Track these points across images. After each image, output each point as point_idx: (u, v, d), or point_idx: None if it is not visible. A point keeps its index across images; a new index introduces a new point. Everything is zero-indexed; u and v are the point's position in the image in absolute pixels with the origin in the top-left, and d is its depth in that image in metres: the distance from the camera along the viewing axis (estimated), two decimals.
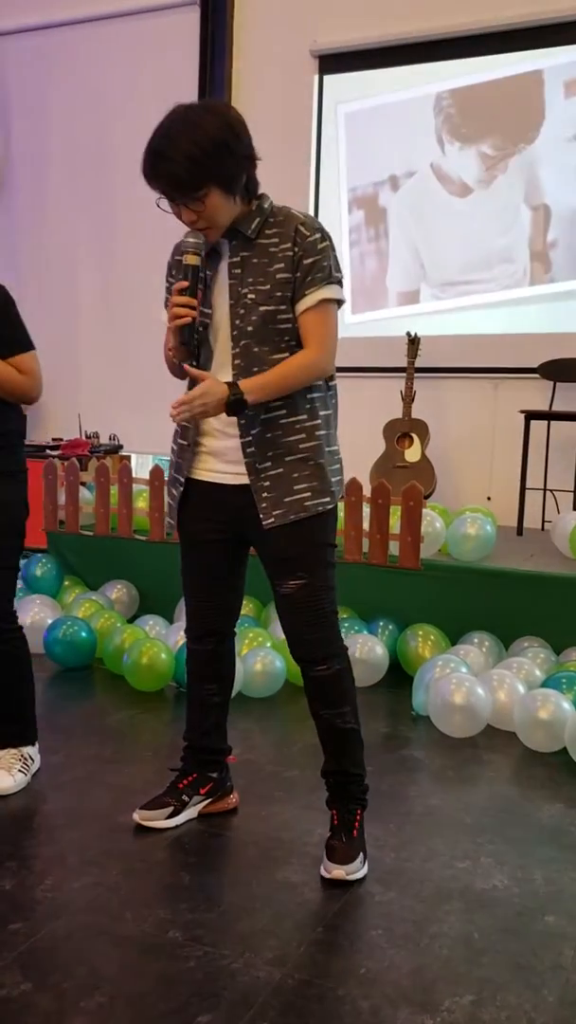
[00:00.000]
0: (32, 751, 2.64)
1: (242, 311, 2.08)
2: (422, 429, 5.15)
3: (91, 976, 1.76)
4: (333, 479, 2.17)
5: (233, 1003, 1.69)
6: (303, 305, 2.07)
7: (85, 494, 4.54)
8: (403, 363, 5.14)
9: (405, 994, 1.74)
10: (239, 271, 2.09)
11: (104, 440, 5.95)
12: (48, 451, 5.57)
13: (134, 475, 4.36)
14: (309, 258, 2.05)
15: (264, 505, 2.12)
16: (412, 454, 5.12)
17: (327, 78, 5.72)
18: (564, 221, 5.20)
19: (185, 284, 2.03)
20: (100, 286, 6.58)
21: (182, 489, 2.25)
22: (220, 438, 2.17)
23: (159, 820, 2.35)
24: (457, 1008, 1.71)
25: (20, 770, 2.56)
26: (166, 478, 2.35)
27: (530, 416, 4.69)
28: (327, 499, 2.15)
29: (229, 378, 2.09)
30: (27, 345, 2.51)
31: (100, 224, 6.53)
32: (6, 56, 6.78)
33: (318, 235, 2.07)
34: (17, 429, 2.60)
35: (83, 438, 5.84)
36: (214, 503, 2.22)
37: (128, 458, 5.78)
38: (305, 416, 2.13)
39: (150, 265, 6.28)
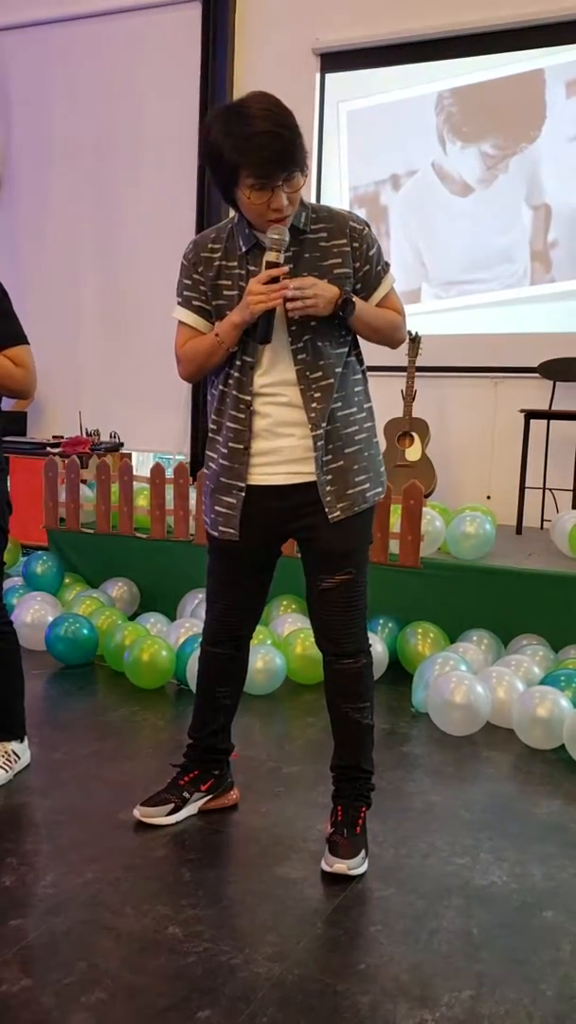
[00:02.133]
0: (19, 747, 2.63)
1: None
2: (422, 428, 5.16)
3: (91, 972, 1.77)
4: (381, 469, 2.24)
5: (233, 998, 1.70)
6: (381, 291, 2.16)
7: (86, 492, 4.54)
8: (404, 362, 5.14)
9: (404, 989, 1.75)
10: (292, 266, 2.06)
11: (105, 438, 5.95)
12: (49, 448, 5.57)
13: (135, 473, 4.36)
14: (372, 249, 2.12)
15: (329, 499, 2.13)
16: (412, 453, 5.13)
17: (329, 76, 5.72)
18: (565, 221, 5.21)
19: (267, 276, 1.99)
20: (101, 284, 6.58)
21: (243, 496, 2.17)
22: (269, 438, 2.13)
23: (160, 817, 2.36)
24: (456, 1003, 1.72)
25: (1, 766, 2.56)
26: (209, 484, 2.23)
27: (530, 415, 4.69)
28: (380, 489, 2.22)
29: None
30: (22, 338, 2.46)
31: (102, 222, 6.54)
32: (8, 52, 6.78)
33: (368, 227, 2.14)
34: None
35: (84, 436, 5.85)
36: (263, 508, 2.17)
37: (129, 456, 5.78)
38: (355, 409, 2.17)
39: (151, 263, 6.32)
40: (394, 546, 3.83)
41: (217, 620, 2.34)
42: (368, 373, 2.27)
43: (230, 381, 2.14)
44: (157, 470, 4.24)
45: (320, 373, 2.09)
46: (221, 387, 2.17)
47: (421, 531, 3.76)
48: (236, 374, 2.12)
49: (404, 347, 5.12)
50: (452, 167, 5.47)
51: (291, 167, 1.96)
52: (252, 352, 2.10)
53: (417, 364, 5.15)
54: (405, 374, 5.14)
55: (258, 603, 2.35)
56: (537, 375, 5.05)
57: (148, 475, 4.26)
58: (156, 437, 6.42)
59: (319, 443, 2.11)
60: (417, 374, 5.15)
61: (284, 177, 1.96)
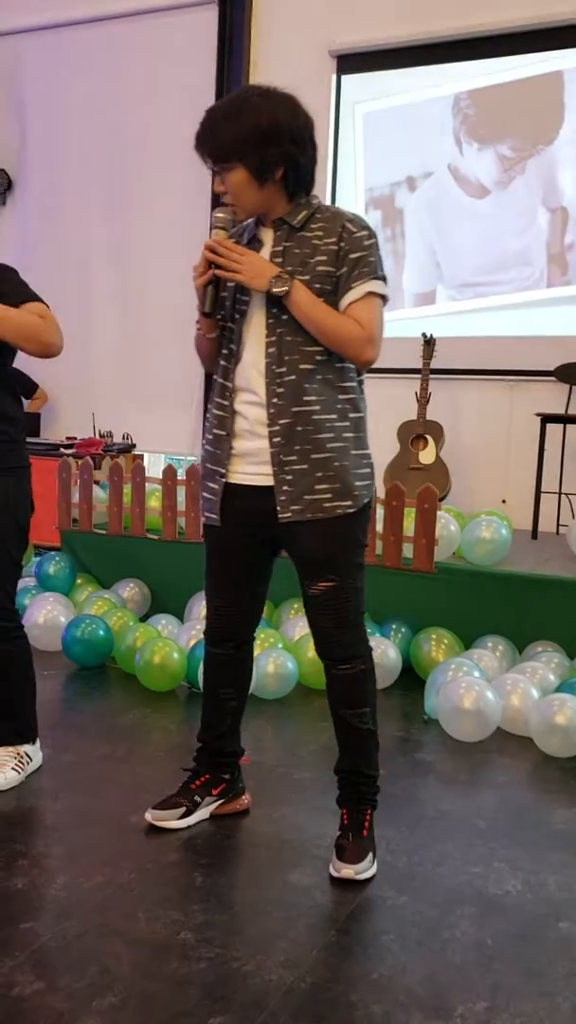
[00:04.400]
0: (31, 749, 2.63)
1: (278, 300, 2.08)
2: (437, 431, 5.14)
3: (103, 976, 1.75)
4: (357, 483, 2.14)
5: (245, 1006, 1.69)
6: (349, 298, 2.07)
7: (98, 493, 4.54)
8: (418, 364, 5.13)
9: (418, 1000, 1.73)
10: (280, 260, 2.09)
11: (117, 439, 5.96)
12: (62, 449, 5.57)
13: (147, 474, 4.36)
14: (355, 253, 2.07)
15: (283, 499, 2.11)
16: (427, 456, 5.11)
17: (345, 78, 5.71)
18: None
19: (204, 253, 2.07)
20: (114, 285, 6.59)
21: (223, 481, 2.19)
22: (249, 439, 2.16)
23: (171, 820, 2.35)
24: (471, 1015, 1.70)
25: (14, 768, 2.54)
26: (200, 472, 2.29)
27: (546, 419, 4.67)
28: (348, 503, 2.13)
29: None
30: (36, 297, 2.38)
31: (114, 223, 6.54)
32: (23, 54, 6.81)
33: (365, 232, 2.09)
34: (19, 420, 2.50)
35: (97, 437, 5.85)
36: (244, 507, 2.19)
37: (141, 457, 5.79)
38: (336, 416, 2.12)
39: (164, 265, 6.31)
40: (408, 550, 3.81)
41: (213, 619, 2.36)
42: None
43: (219, 371, 2.20)
44: (169, 471, 4.23)
45: (285, 368, 2.09)
46: (215, 377, 2.23)
47: (435, 535, 3.74)
48: (223, 363, 2.19)
49: (419, 349, 5.12)
50: (468, 169, 5.45)
51: (212, 155, 2.05)
52: (236, 341, 2.15)
53: (432, 366, 5.13)
54: (419, 376, 5.12)
55: (252, 604, 2.35)
56: (553, 379, 5.02)
57: (160, 476, 4.26)
58: (168, 438, 6.42)
59: (275, 439, 2.10)
60: (432, 376, 5.13)
61: (212, 163, 2.06)
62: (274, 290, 2.04)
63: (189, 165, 6.87)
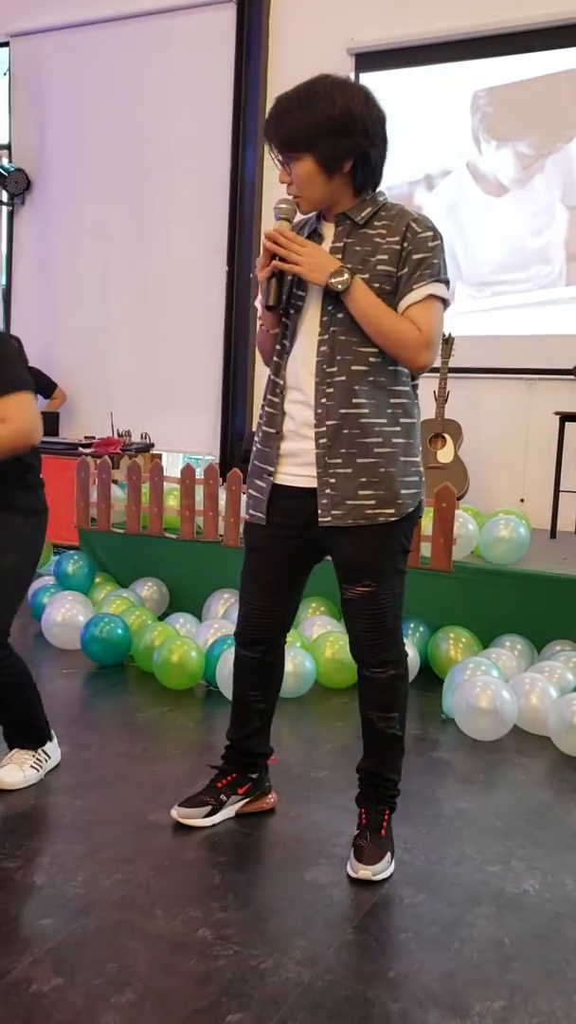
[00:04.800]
0: (50, 747, 2.63)
1: (335, 297, 2.05)
2: (455, 430, 5.12)
3: (122, 973, 1.76)
4: (403, 491, 2.09)
5: (263, 1003, 1.69)
6: (410, 299, 2.02)
7: (117, 492, 4.56)
8: (436, 363, 5.10)
9: (435, 998, 1.73)
10: (340, 256, 2.05)
11: (136, 438, 5.98)
12: (81, 449, 5.60)
13: (165, 473, 4.38)
14: (419, 254, 2.02)
15: (324, 502, 2.08)
16: (445, 455, 5.10)
17: (363, 76, 5.70)
18: None
19: (274, 234, 2.04)
20: (132, 285, 6.61)
21: (271, 480, 2.16)
22: (294, 440, 2.13)
23: (197, 818, 2.35)
24: (488, 1013, 1.70)
25: (32, 766, 2.55)
26: (250, 468, 2.23)
27: (565, 418, 4.64)
28: (391, 511, 2.08)
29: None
30: (12, 386, 2.29)
31: (134, 221, 6.56)
32: (42, 53, 6.84)
33: (430, 233, 2.04)
34: (34, 467, 2.46)
35: (115, 436, 5.87)
36: (287, 508, 2.16)
37: (159, 456, 5.80)
38: (386, 420, 2.07)
39: (184, 263, 6.33)
40: (426, 549, 3.80)
41: (246, 620, 2.33)
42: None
43: (272, 367, 2.18)
44: (187, 471, 4.24)
45: (336, 368, 2.05)
46: (270, 374, 2.19)
47: (454, 534, 3.73)
48: (276, 359, 2.17)
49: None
50: (487, 167, 5.43)
51: (282, 144, 2.01)
52: (289, 336, 2.12)
53: (450, 365, 5.11)
54: (437, 375, 5.10)
55: (286, 609, 2.32)
56: (572, 377, 4.99)
57: (178, 476, 4.27)
58: (187, 438, 6.44)
59: (321, 440, 2.07)
60: (450, 375, 5.12)
61: (280, 152, 2.02)
62: (333, 282, 1.99)
63: (208, 162, 6.89)
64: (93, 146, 6.67)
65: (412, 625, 3.72)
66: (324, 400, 2.06)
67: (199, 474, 4.27)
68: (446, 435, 5.11)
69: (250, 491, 2.22)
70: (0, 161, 7.02)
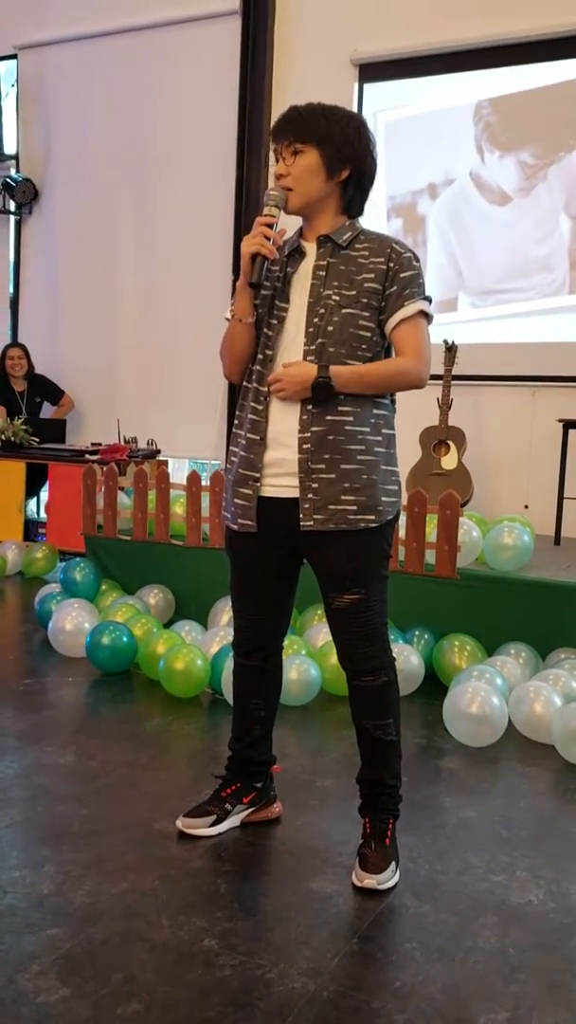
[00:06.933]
0: None
1: (322, 311, 2.11)
2: (459, 437, 5.14)
3: (128, 983, 1.77)
4: (384, 499, 2.15)
5: (268, 1014, 1.70)
6: (399, 316, 2.12)
7: (123, 499, 4.58)
8: (440, 370, 5.13)
9: (440, 1009, 1.74)
10: (323, 273, 2.13)
11: (142, 445, 6.00)
12: (87, 456, 5.62)
13: (171, 480, 4.39)
14: (406, 272, 2.12)
15: (306, 507, 2.12)
16: (449, 462, 5.11)
17: (367, 86, 5.73)
18: None
19: (258, 225, 2.12)
20: (138, 293, 6.64)
21: (258, 486, 2.18)
22: (277, 448, 2.16)
23: (202, 828, 2.36)
24: None
25: None
26: (230, 478, 2.26)
27: (568, 425, 4.66)
28: (372, 517, 2.13)
29: None
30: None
31: (139, 231, 6.60)
32: (49, 66, 6.88)
33: (412, 254, 2.17)
34: None
35: (122, 443, 5.90)
36: (270, 518, 2.19)
37: (166, 463, 5.82)
38: (369, 429, 2.13)
39: (189, 272, 6.36)
40: (430, 556, 3.81)
41: (241, 629, 2.37)
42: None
43: (253, 376, 2.20)
44: (193, 477, 4.26)
45: None
46: (246, 383, 2.23)
47: (458, 541, 3.74)
48: (258, 367, 2.19)
49: (441, 355, 5.12)
50: (490, 176, 5.45)
51: (295, 134, 2.09)
52: (272, 347, 2.17)
53: (454, 372, 5.13)
54: (441, 383, 5.12)
55: (280, 615, 2.36)
56: (575, 384, 5.01)
57: (184, 483, 4.28)
58: (193, 444, 6.46)
59: (304, 446, 2.11)
60: (454, 382, 5.13)
61: (287, 144, 2.09)
62: (316, 394, 2.07)
63: (213, 172, 6.93)
64: (99, 157, 6.71)
65: (417, 632, 3.73)
66: (310, 407, 2.11)
67: (205, 481, 4.28)
68: (450, 442, 5.12)
69: (235, 500, 2.23)
70: (8, 171, 7.06)
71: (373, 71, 5.70)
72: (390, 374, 2.13)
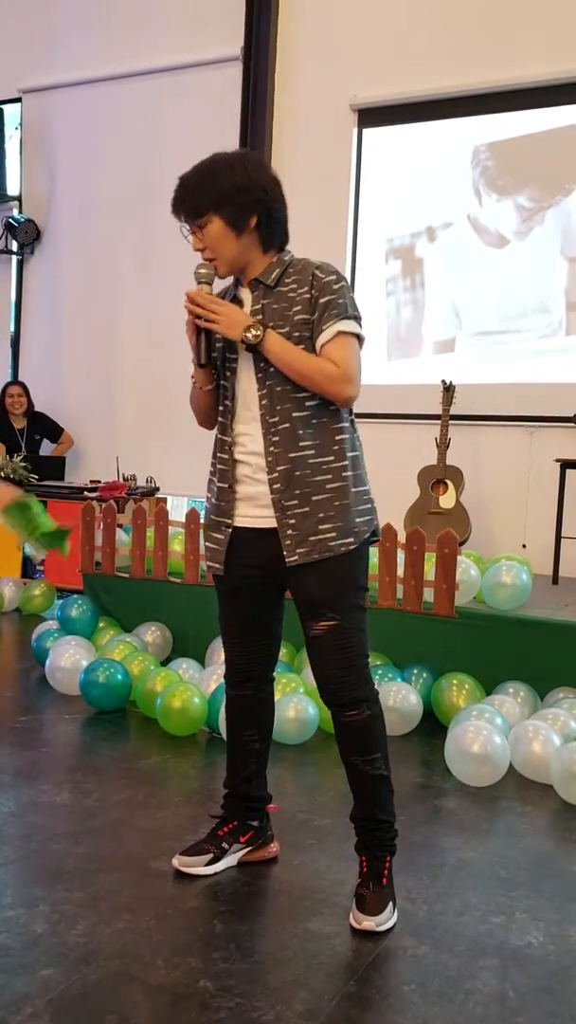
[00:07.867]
0: None
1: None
2: (457, 476, 5.16)
3: None
4: (358, 519, 2.19)
5: None
6: (323, 339, 2.15)
7: (122, 536, 4.58)
8: (438, 410, 5.16)
9: None
10: (260, 317, 2.18)
11: (141, 482, 6.02)
12: (86, 493, 5.64)
13: (170, 518, 4.40)
14: (325, 297, 2.15)
15: (288, 543, 2.16)
16: (447, 501, 5.13)
17: (366, 131, 5.84)
18: None
19: (193, 294, 2.21)
20: (139, 332, 6.70)
21: (230, 532, 2.26)
22: (251, 484, 2.22)
23: (198, 867, 2.34)
24: None
25: None
26: (204, 522, 2.36)
27: (566, 465, 4.68)
28: (350, 539, 2.17)
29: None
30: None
31: (139, 272, 6.67)
32: (53, 109, 7.01)
33: (333, 276, 2.18)
34: None
35: (121, 480, 5.91)
36: (250, 549, 2.24)
37: (164, 500, 5.83)
38: (332, 458, 2.17)
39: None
40: (428, 594, 3.81)
41: (230, 661, 2.40)
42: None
43: (217, 427, 2.29)
44: (192, 515, 4.27)
45: (278, 418, 2.16)
46: (214, 432, 2.31)
47: (456, 580, 3.74)
48: (220, 419, 2.28)
49: (439, 395, 5.17)
50: (488, 219, 5.53)
51: (191, 211, 2.16)
52: (231, 397, 2.24)
53: (451, 412, 5.16)
54: (439, 422, 5.16)
55: (268, 645, 2.38)
56: (572, 425, 5.04)
57: (183, 520, 4.29)
58: (192, 482, 6.45)
59: (275, 486, 2.16)
60: (451, 422, 5.17)
61: (191, 220, 2.18)
62: (248, 336, 2.12)
63: None
64: (101, 199, 6.81)
65: (415, 671, 3.72)
66: (272, 448, 2.17)
67: (203, 518, 4.28)
68: (448, 481, 5.15)
69: (207, 544, 2.32)
70: (11, 212, 7.16)
71: (372, 116, 5.81)
72: (315, 366, 2.12)
